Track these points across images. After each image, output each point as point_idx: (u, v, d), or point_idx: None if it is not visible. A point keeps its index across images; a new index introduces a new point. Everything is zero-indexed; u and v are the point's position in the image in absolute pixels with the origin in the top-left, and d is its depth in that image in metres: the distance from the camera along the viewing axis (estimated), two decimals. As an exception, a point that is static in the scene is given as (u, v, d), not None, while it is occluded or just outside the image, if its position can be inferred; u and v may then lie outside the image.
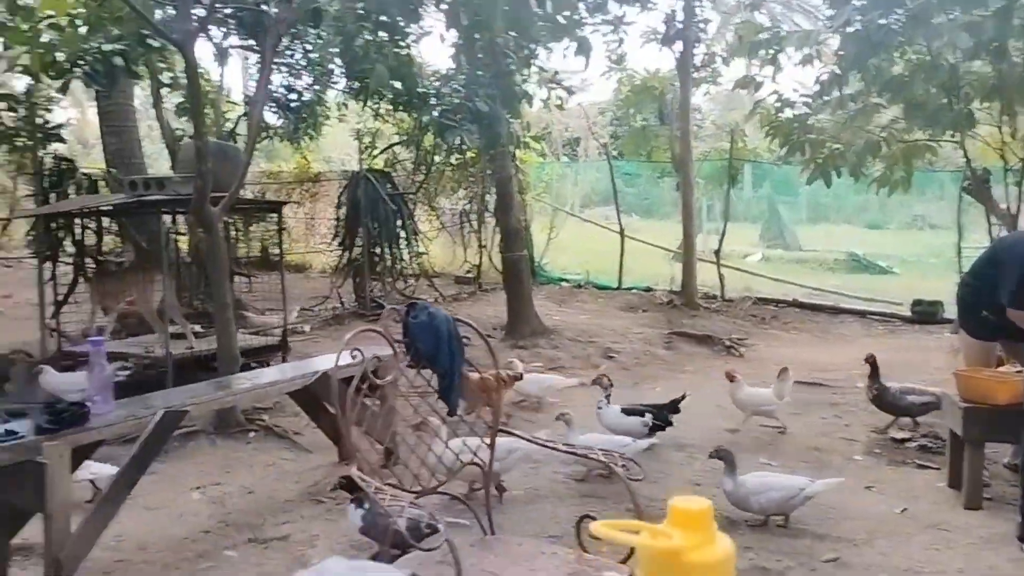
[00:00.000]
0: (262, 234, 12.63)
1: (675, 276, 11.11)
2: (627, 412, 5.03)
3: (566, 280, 12.50)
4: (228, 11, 6.87)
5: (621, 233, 11.98)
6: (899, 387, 5.50)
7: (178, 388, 4.40)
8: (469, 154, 8.87)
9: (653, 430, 4.98)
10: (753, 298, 10.75)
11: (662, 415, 5.11)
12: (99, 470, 3.99)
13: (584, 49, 7.29)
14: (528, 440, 2.69)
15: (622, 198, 12.88)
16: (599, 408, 5.03)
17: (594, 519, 2.61)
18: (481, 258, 12.20)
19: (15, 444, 2.98)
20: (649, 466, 4.54)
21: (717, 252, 11.14)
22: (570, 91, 10.56)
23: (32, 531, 3.41)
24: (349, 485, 3.44)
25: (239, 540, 3.73)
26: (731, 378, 5.57)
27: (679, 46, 10.33)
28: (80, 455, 3.30)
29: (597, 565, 2.19)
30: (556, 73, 9.70)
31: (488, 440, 2.64)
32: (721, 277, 10.97)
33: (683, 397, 5.32)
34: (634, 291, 11.55)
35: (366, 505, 3.37)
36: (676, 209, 12.22)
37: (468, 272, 12.43)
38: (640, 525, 0.93)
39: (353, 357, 2.36)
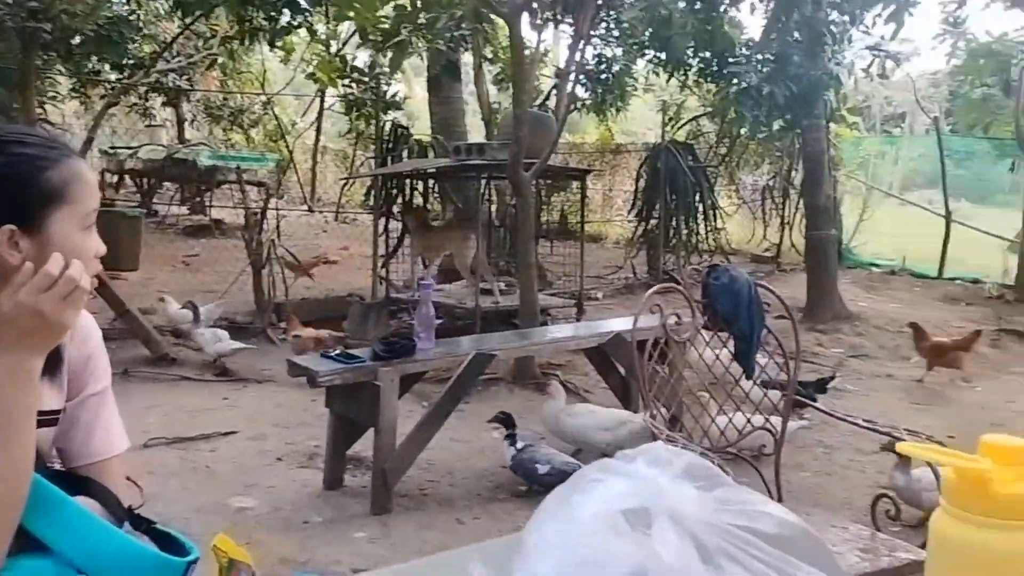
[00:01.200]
0: (562, 203, 13.18)
1: (1009, 269, 9.85)
2: (765, 385, 4.57)
3: (877, 265, 11.58)
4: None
5: (947, 217, 10.84)
6: None
7: (486, 335, 4.81)
8: (777, 126, 8.49)
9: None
10: (1109, 298, 9.24)
11: (805, 392, 4.55)
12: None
13: (899, 16, 6.56)
14: (826, 412, 2.60)
15: (952, 180, 11.58)
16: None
17: (891, 498, 2.48)
18: (782, 236, 11.71)
19: (358, 367, 3.49)
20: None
21: (1066, 244, 9.68)
22: (897, 60, 9.65)
23: (361, 446, 3.97)
24: (505, 421, 3.72)
25: (531, 479, 4.02)
26: None
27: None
28: (406, 382, 3.76)
29: (891, 545, 2.09)
30: (881, 39, 8.90)
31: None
32: (1068, 272, 9.53)
33: (832, 377, 4.83)
34: (957, 282, 10.42)
35: (518, 445, 3.69)
36: (1016, 195, 10.79)
37: (766, 251, 12.00)
38: (949, 451, 0.90)
39: (652, 312, 2.44)
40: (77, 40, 7.78)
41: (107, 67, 10.68)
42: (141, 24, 10.93)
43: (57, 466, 1.32)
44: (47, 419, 1.25)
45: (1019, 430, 4.50)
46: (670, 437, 2.25)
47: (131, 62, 12.35)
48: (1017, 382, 6.26)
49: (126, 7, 9.64)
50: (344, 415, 3.75)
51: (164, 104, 16.65)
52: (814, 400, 4.54)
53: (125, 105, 15.47)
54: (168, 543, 1.30)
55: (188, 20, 10.66)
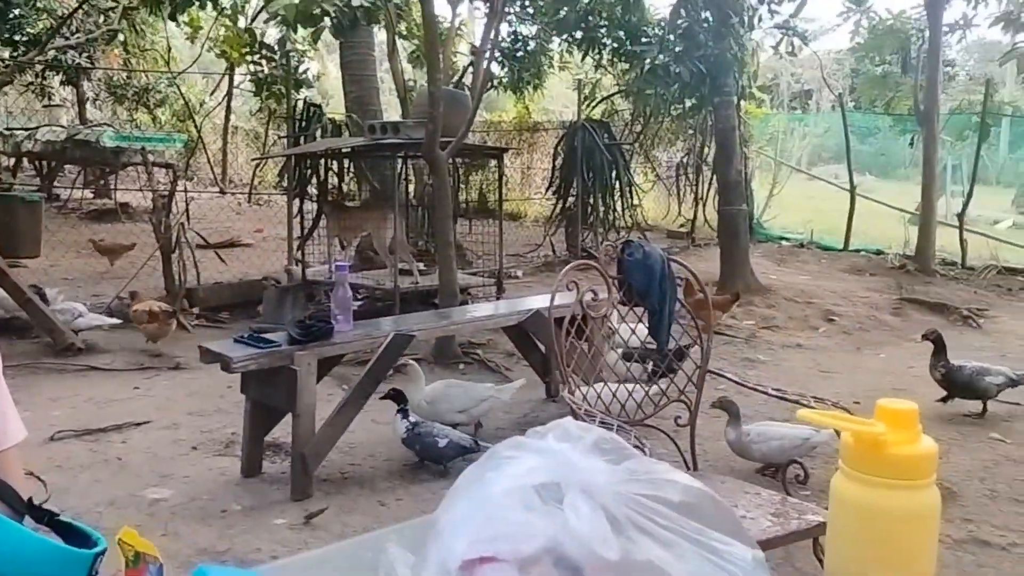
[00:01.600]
0: (480, 182, 13.17)
1: (910, 240, 10.31)
2: (627, 357, 4.69)
3: (786, 239, 11.96)
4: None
5: (851, 191, 11.26)
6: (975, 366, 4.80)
7: (406, 315, 4.77)
8: (689, 103, 8.65)
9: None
10: (999, 267, 9.78)
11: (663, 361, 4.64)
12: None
13: None
14: (737, 383, 2.68)
15: (856, 155, 12.01)
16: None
17: (800, 463, 2.58)
18: (696, 212, 11.97)
19: (274, 351, 3.42)
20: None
21: (960, 216, 10.18)
22: (804, 38, 9.93)
23: (280, 432, 3.90)
24: (396, 397, 3.84)
25: (454, 458, 4.03)
26: None
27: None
28: (324, 366, 3.70)
29: (801, 508, 2.18)
30: (790, 18, 9.15)
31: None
32: (963, 243, 10.04)
33: (690, 345, 5.02)
34: (862, 253, 10.87)
35: (411, 418, 3.79)
36: (916, 169, 11.27)
37: (681, 226, 12.25)
38: (847, 416, 0.95)
39: (569, 289, 2.46)
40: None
41: (-2, 44, 10.11)
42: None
43: (-54, 464, 1.25)
44: None
45: (920, 393, 4.77)
46: (588, 412, 2.28)
47: (25, 38, 11.71)
48: (918, 348, 6.56)
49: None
50: (261, 401, 3.68)
51: (63, 83, 15.87)
52: (677, 366, 4.67)
53: (20, 84, 14.69)
54: (73, 535, 1.25)
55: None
